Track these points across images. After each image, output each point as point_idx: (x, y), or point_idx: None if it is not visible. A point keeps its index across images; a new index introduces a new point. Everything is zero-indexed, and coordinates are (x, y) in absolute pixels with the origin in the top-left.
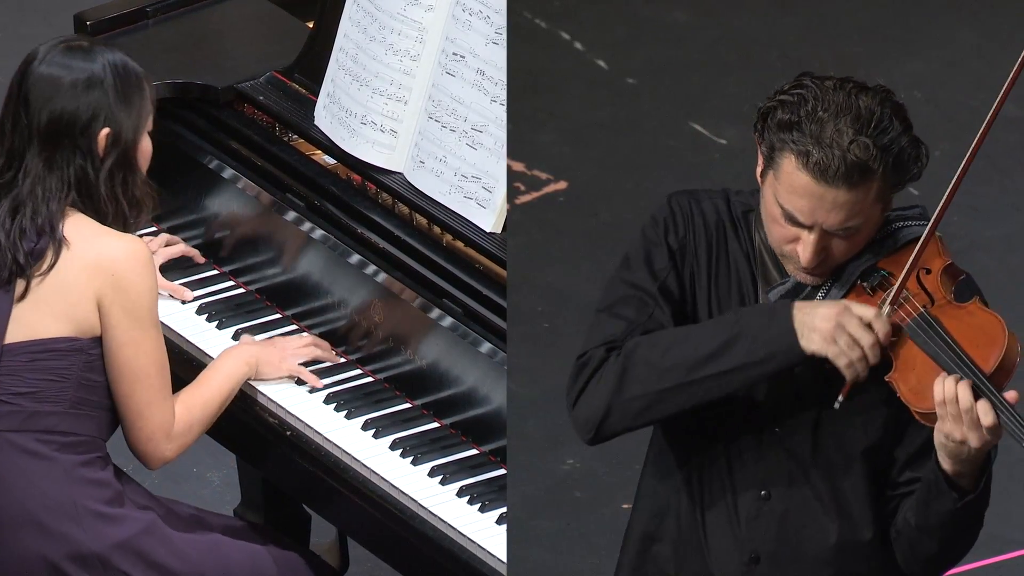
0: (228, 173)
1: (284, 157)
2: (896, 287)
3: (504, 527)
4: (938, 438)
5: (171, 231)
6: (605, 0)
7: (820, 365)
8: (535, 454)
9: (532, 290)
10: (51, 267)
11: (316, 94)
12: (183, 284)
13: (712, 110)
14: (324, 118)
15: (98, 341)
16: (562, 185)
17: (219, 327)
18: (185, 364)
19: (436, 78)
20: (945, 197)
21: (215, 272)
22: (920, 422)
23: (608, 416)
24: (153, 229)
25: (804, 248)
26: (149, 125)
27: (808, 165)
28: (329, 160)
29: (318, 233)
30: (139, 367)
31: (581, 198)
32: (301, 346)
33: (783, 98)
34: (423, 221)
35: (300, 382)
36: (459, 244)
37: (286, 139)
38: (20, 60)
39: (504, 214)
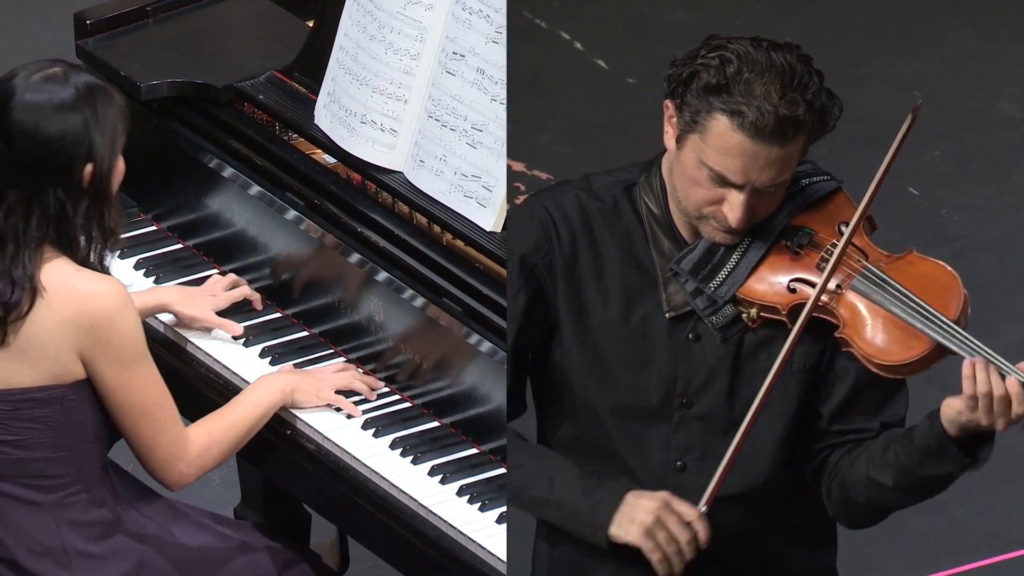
0: (228, 172)
1: (284, 156)
2: (840, 247)
3: (504, 526)
4: (950, 415)
5: (170, 230)
6: (605, 0)
7: (730, 336)
8: None
9: None
10: (26, 316)
11: (316, 93)
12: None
13: None
14: (324, 117)
15: (79, 385)
16: None
17: None
18: (187, 363)
19: (436, 77)
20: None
21: (215, 272)
22: (882, 375)
23: None
24: (215, 271)
25: (733, 208)
26: (122, 143)
27: (743, 125)
28: (329, 159)
29: (318, 232)
30: (137, 405)
31: None
32: (339, 373)
33: (704, 62)
34: (423, 220)
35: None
36: (459, 243)
37: (286, 138)
38: (19, 60)
39: (504, 213)
